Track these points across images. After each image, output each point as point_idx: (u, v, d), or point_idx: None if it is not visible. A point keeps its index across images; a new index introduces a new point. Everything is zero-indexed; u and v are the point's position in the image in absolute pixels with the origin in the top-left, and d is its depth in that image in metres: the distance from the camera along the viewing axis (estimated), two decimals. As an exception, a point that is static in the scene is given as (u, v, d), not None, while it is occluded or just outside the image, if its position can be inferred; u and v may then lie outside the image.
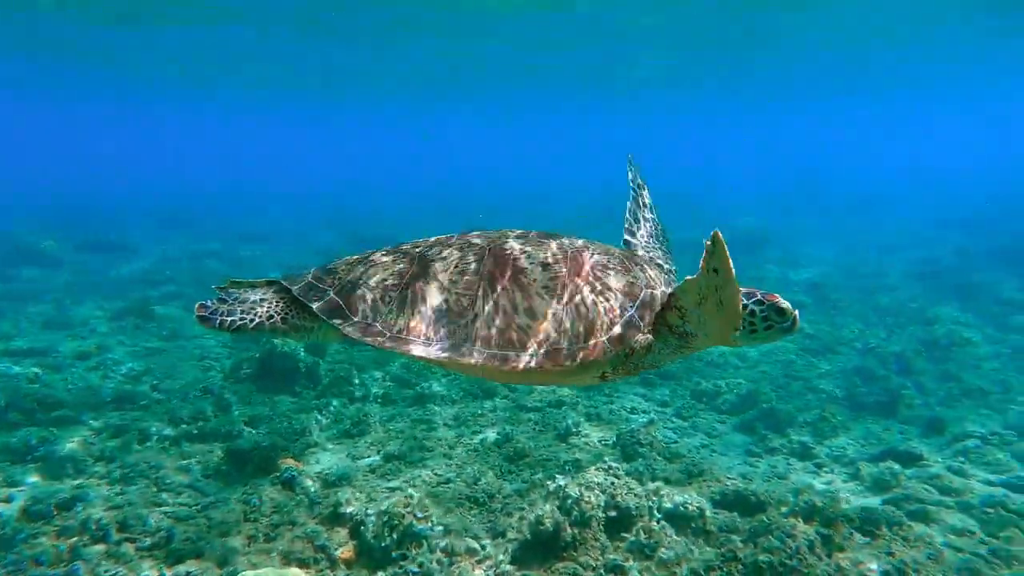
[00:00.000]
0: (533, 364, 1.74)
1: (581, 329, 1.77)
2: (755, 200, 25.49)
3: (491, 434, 5.59)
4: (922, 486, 4.73)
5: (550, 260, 1.87)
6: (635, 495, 4.12)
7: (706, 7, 14.49)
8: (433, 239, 2.08)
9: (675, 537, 3.89)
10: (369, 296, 1.91)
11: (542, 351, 1.75)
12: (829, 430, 5.97)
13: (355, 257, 2.11)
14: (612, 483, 4.20)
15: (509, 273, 1.84)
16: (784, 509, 4.25)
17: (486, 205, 25.23)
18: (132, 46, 18.45)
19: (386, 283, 1.93)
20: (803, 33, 16.92)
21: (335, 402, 6.19)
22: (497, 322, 1.79)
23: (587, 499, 3.99)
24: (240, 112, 38.87)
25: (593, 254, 1.92)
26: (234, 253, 15.77)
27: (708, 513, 4.07)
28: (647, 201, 2.52)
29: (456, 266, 1.90)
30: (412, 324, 1.83)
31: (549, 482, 4.24)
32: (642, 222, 2.48)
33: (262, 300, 2.07)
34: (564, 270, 1.84)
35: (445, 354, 1.78)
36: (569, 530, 3.84)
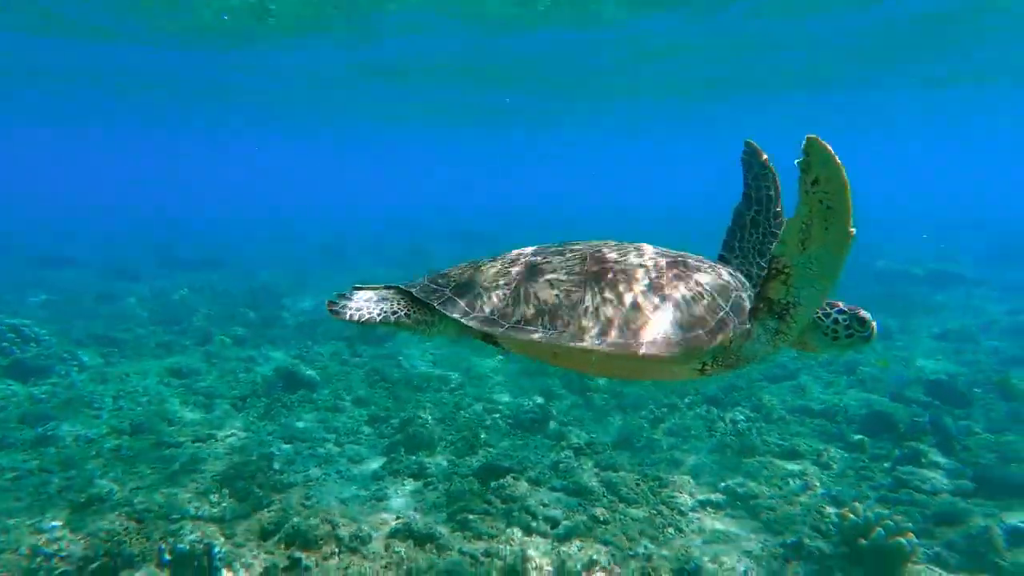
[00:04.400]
0: (642, 351, 1.90)
1: (683, 322, 1.95)
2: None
3: (104, 485, 5.13)
4: (483, 498, 5.22)
5: (648, 263, 2.07)
6: (147, 539, 4.03)
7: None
8: (532, 248, 2.32)
9: (169, 578, 3.84)
10: (484, 294, 2.15)
11: (649, 339, 1.91)
12: (467, 451, 6.42)
13: (465, 264, 2.36)
14: (127, 528, 4.07)
15: (612, 273, 2.05)
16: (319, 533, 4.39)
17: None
18: None
19: (498, 282, 2.16)
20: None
21: None
22: (605, 315, 1.97)
23: (63, 553, 3.81)
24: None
25: (686, 258, 2.13)
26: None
27: (217, 550, 4.08)
28: (770, 198, 2.36)
29: (562, 267, 2.11)
30: (528, 316, 2.04)
31: (39, 535, 3.99)
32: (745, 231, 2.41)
33: (385, 299, 2.30)
34: (662, 272, 2.04)
35: (559, 341, 1.96)
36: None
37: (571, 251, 2.18)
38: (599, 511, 5.06)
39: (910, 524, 4.14)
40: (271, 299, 14.12)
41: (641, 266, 2.06)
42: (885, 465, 5.84)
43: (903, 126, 30.65)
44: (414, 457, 6.13)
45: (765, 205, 2.37)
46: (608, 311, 1.97)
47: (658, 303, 1.96)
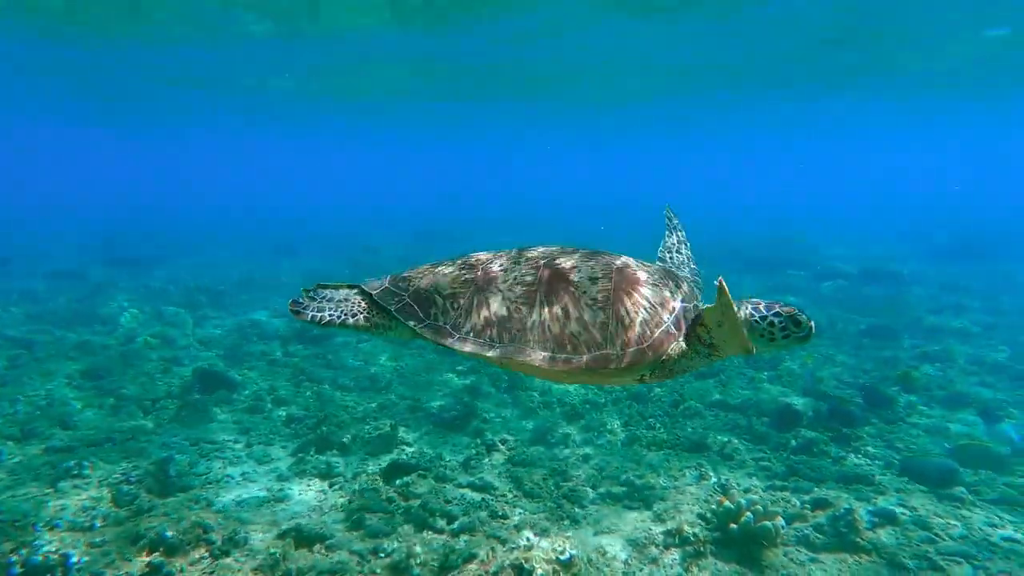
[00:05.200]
0: (584, 365, 1.98)
1: (625, 337, 2.01)
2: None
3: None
4: (385, 497, 5.17)
5: (599, 275, 2.10)
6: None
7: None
8: (492, 253, 2.35)
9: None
10: (440, 301, 2.19)
11: (592, 355, 1.99)
12: (382, 449, 6.34)
13: (426, 266, 2.38)
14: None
15: (563, 285, 2.09)
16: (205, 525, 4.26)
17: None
18: None
19: (454, 291, 2.21)
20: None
21: None
22: (553, 328, 2.04)
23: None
24: None
25: (636, 270, 2.15)
26: None
27: (74, 560, 3.91)
28: (681, 236, 2.90)
29: (516, 278, 2.15)
30: (478, 327, 2.11)
31: None
32: (673, 252, 2.84)
33: (347, 300, 2.35)
34: (611, 284, 2.08)
35: (508, 354, 2.03)
36: None
37: (526, 260, 2.24)
38: (500, 506, 5.08)
39: (779, 509, 4.30)
40: (209, 298, 13.68)
41: (591, 278, 2.12)
42: (783, 455, 6.06)
43: (860, 126, 31.96)
44: (323, 457, 6.02)
45: (678, 246, 2.92)
46: (555, 327, 2.06)
47: (603, 318, 2.04)
